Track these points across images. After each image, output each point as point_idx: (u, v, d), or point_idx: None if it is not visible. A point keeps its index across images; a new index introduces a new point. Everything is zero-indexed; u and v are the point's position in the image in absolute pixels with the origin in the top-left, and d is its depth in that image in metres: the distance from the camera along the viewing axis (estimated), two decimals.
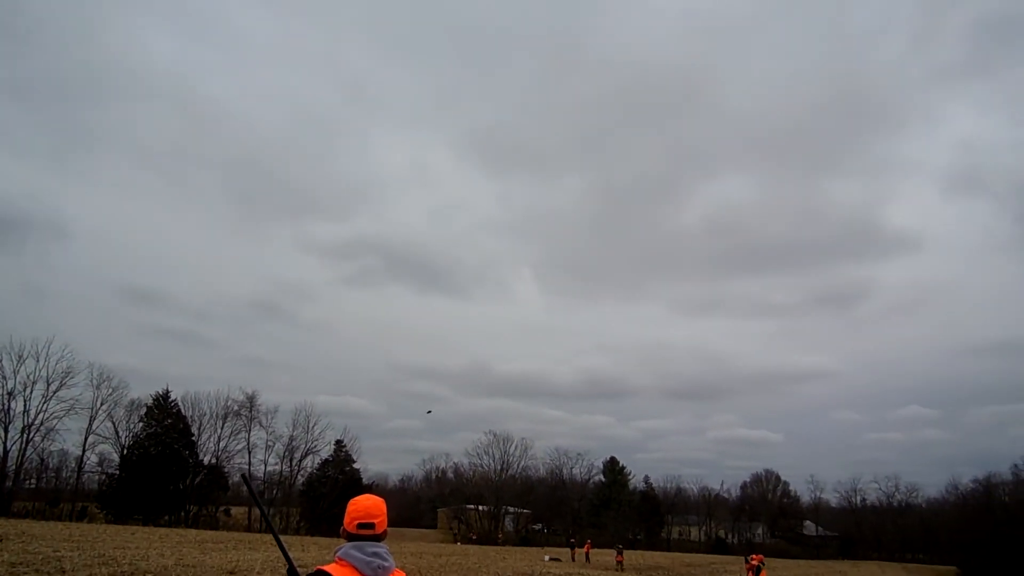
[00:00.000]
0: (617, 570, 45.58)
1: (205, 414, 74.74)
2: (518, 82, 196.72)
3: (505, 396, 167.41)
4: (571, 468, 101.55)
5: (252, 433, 76.94)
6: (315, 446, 79.32)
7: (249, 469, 76.41)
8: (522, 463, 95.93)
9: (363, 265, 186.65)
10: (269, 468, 78.54)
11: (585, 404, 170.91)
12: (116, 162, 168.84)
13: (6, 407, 63.73)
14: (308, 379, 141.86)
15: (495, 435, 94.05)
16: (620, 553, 47.35)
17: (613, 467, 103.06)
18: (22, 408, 64.23)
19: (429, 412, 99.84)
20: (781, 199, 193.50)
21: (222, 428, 75.44)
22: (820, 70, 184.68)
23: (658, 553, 73.33)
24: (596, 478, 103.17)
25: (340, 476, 76.52)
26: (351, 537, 3.26)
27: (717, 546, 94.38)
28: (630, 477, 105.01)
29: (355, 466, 79.74)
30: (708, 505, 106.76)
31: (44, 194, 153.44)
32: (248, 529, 69.61)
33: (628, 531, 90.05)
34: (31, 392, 64.65)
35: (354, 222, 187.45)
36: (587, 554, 54.07)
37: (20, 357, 64.21)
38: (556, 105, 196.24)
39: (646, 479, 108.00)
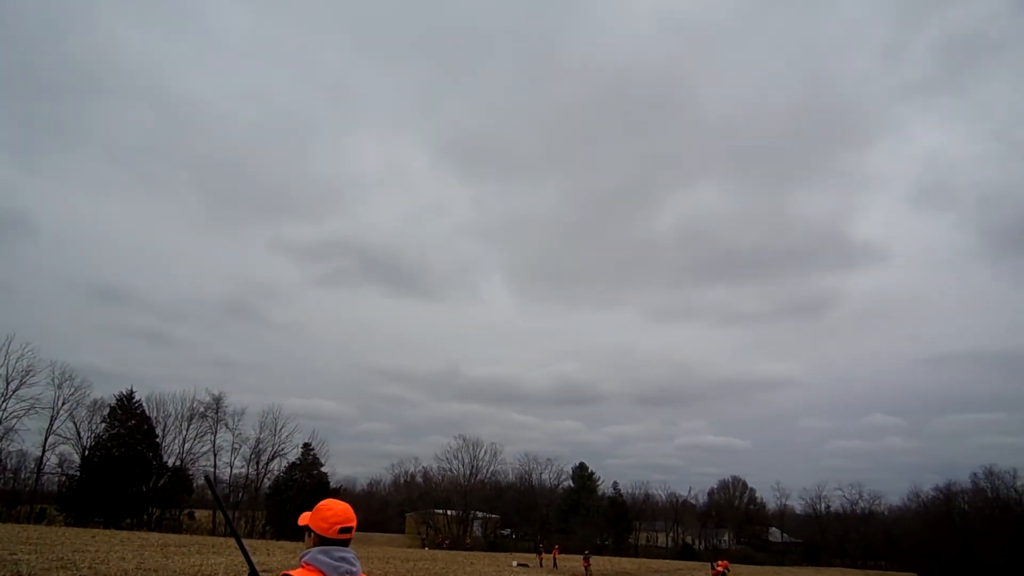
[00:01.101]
0: (585, 574, 45.70)
1: (170, 415, 73.66)
2: (496, 86, 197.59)
3: (476, 400, 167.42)
4: (540, 473, 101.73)
5: (218, 435, 75.96)
6: (282, 449, 78.58)
7: (215, 472, 75.37)
8: (491, 468, 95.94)
9: (336, 266, 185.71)
10: (235, 471, 77.67)
11: (556, 410, 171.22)
12: (87, 159, 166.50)
13: None
14: (277, 381, 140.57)
15: (465, 439, 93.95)
16: (587, 559, 47.42)
17: (582, 473, 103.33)
18: None
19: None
20: (753, 208, 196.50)
21: (188, 430, 74.39)
22: (792, 81, 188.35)
23: (625, 559, 73.53)
24: (565, 483, 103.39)
25: (307, 479, 75.74)
26: (324, 542, 3.19)
27: (684, 552, 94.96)
28: (599, 483, 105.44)
29: (323, 469, 79.07)
30: (676, 511, 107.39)
31: (11, 190, 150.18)
32: (212, 533, 68.59)
33: (596, 537, 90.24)
34: None
35: (328, 223, 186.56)
36: (555, 559, 54.12)
37: None
38: (533, 110, 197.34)
39: (615, 485, 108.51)
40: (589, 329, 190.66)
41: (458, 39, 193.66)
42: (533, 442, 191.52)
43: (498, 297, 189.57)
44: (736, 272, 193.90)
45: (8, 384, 63.64)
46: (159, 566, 22.98)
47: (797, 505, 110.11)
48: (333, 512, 3.24)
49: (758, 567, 77.87)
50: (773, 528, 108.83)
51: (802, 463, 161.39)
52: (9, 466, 74.32)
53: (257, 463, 77.40)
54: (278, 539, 62.68)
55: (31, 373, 64.80)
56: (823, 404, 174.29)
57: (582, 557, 48.98)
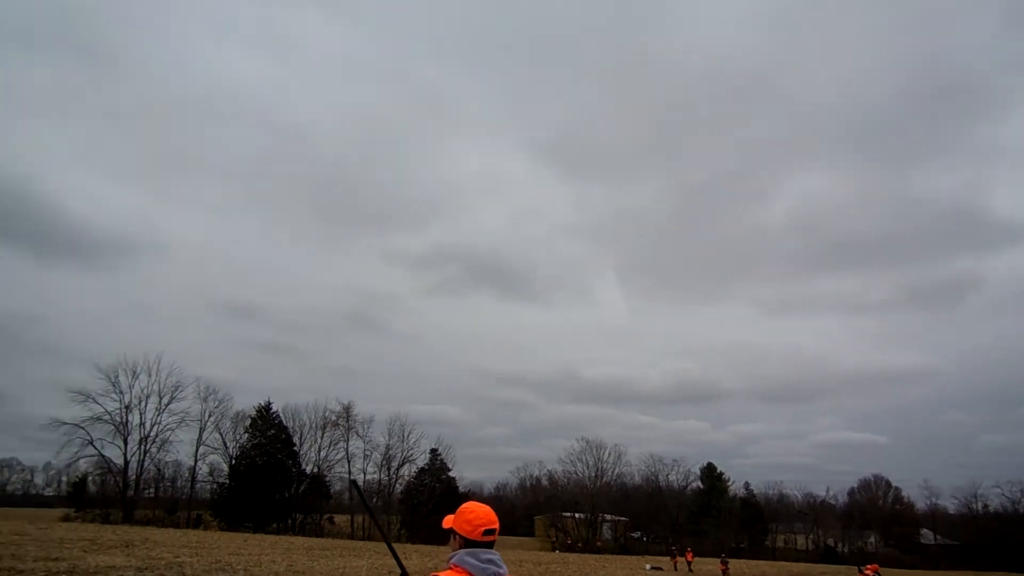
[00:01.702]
0: None
1: (305, 424, 77.34)
2: (589, 84, 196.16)
3: (594, 402, 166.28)
4: (667, 475, 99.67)
5: (350, 442, 78.98)
6: (411, 455, 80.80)
7: (349, 478, 78.52)
8: (616, 470, 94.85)
9: (446, 274, 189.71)
10: (368, 477, 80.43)
11: (676, 409, 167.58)
12: (210, 184, 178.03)
13: (124, 420, 67.74)
14: (401, 388, 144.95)
15: (587, 442, 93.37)
16: (725, 562, 46.01)
17: (711, 473, 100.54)
18: (138, 421, 68.28)
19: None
20: (871, 191, 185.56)
21: (322, 438, 77.82)
22: (906, 55, 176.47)
23: (763, 562, 70.92)
24: (694, 485, 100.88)
25: (437, 484, 77.52)
26: (469, 544, 3.19)
27: (826, 555, 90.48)
28: (729, 483, 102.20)
29: (451, 474, 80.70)
30: (814, 512, 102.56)
31: (146, 217, 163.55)
32: (351, 536, 71.41)
33: (730, 539, 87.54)
34: (145, 405, 68.69)
35: (435, 232, 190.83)
36: (689, 563, 52.83)
37: (134, 372, 68.37)
38: (630, 105, 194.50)
39: (746, 485, 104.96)
40: (701, 325, 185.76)
41: (549, 40, 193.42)
42: (656, 443, 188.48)
43: (609, 297, 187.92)
44: (857, 259, 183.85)
45: (161, 399, 69.08)
46: (306, 568, 24.03)
47: (949, 505, 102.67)
48: (476, 515, 3.25)
49: (910, 571, 73.07)
50: (924, 530, 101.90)
51: (950, 459, 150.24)
52: (167, 475, 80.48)
53: (388, 469, 79.99)
54: (413, 542, 64.43)
55: (179, 388, 70.17)
56: (968, 396, 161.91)
57: (719, 560, 47.58)
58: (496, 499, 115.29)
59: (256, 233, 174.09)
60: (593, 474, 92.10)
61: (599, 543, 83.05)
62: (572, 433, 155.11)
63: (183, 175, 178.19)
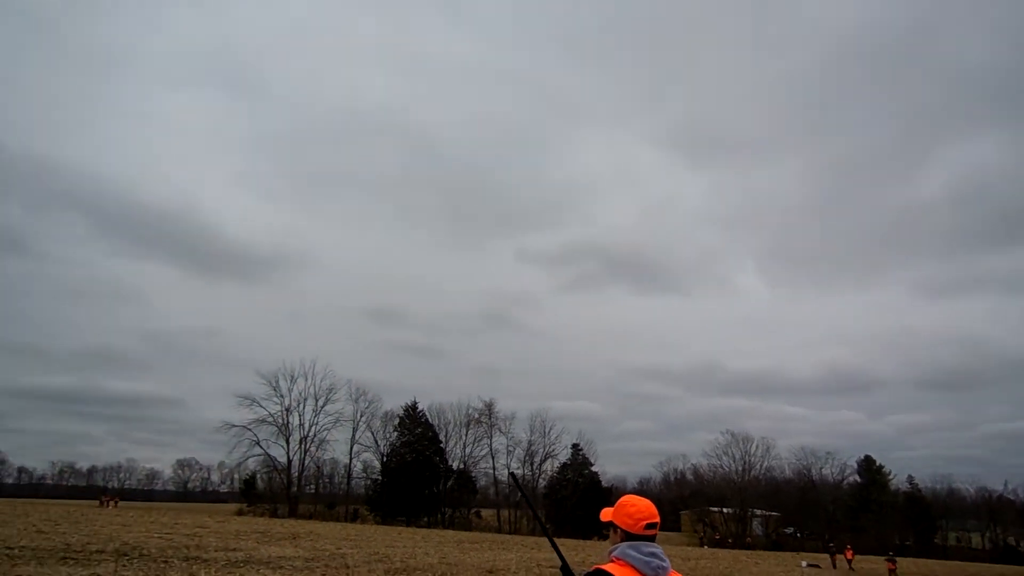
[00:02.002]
0: None
1: (450, 422, 79.94)
2: (718, 68, 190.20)
3: (739, 394, 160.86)
4: (820, 468, 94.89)
5: (493, 439, 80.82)
6: (553, 450, 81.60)
7: (493, 474, 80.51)
8: (765, 463, 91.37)
9: (581, 270, 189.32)
10: (511, 472, 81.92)
11: (828, 399, 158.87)
12: (353, 197, 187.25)
13: (286, 422, 72.87)
14: (541, 385, 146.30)
15: (733, 435, 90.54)
16: (892, 560, 43.30)
17: (869, 466, 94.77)
18: (298, 422, 73.36)
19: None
20: None
21: (466, 435, 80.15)
22: None
23: (933, 561, 66.17)
24: (850, 478, 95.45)
25: (580, 479, 77.78)
26: (630, 537, 3.17)
27: (1005, 554, 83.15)
28: (890, 477, 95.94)
29: (593, 469, 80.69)
30: (989, 508, 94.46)
31: (297, 233, 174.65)
32: (498, 530, 73.01)
33: (894, 536, 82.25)
34: (304, 407, 73.77)
35: (568, 229, 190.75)
36: (849, 560, 50.11)
37: (292, 377, 73.58)
38: (761, 85, 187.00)
39: (910, 479, 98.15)
40: (852, 311, 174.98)
41: (674, 25, 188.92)
42: (807, 435, 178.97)
43: (750, 285, 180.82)
44: None
45: (317, 401, 73.90)
46: (457, 560, 24.89)
47: None
48: (637, 508, 3.22)
49: None
50: None
51: None
52: (325, 472, 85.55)
53: (531, 464, 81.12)
54: (557, 536, 64.98)
55: (333, 391, 74.86)
56: None
57: (885, 559, 44.89)
58: (639, 494, 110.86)
59: (398, 241, 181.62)
60: (740, 468, 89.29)
61: (749, 539, 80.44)
62: (716, 426, 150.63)
63: (328, 191, 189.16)
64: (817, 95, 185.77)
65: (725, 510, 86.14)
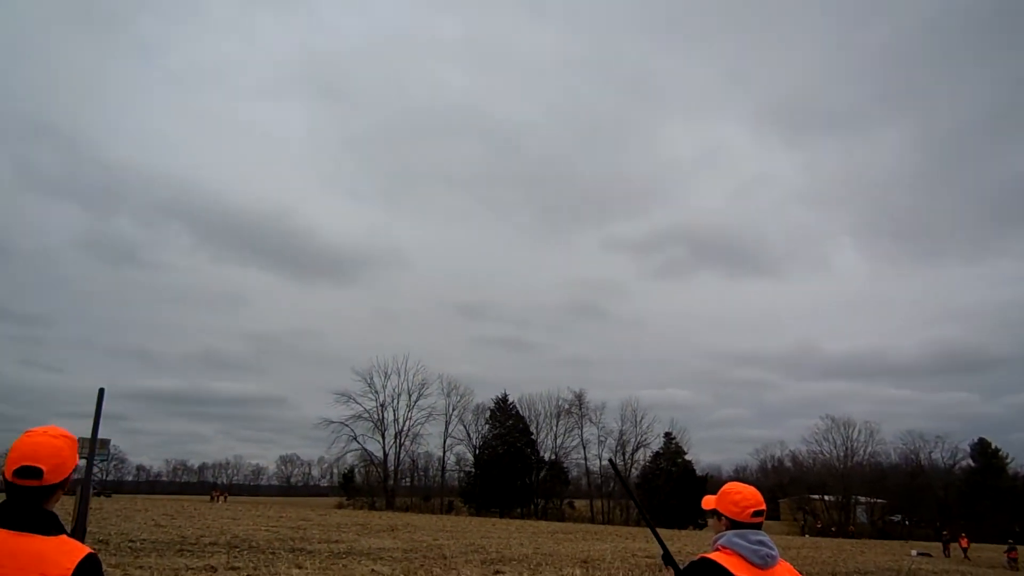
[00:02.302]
0: (1009, 568, 39.38)
1: (540, 414, 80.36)
2: (810, 41, 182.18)
3: (839, 377, 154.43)
4: (929, 452, 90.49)
5: (584, 429, 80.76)
6: (645, 439, 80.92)
7: (585, 464, 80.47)
8: (869, 449, 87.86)
9: (670, 256, 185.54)
10: (604, 462, 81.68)
11: (936, 380, 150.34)
12: (438, 194, 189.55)
13: (381, 417, 75.00)
14: (630, 374, 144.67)
15: (833, 420, 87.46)
16: (1012, 549, 40.87)
17: (984, 450, 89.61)
18: (392, 417, 75.32)
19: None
20: None
21: (557, 426, 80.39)
22: None
23: None
24: (963, 463, 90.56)
25: (673, 468, 76.82)
26: (736, 525, 3.11)
27: None
28: (1008, 461, 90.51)
29: (686, 458, 79.55)
30: None
31: (386, 232, 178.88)
32: (591, 520, 72.98)
33: (1013, 523, 77.60)
34: (398, 403, 75.80)
35: (655, 215, 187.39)
36: (964, 549, 47.60)
37: (386, 374, 75.69)
38: (856, 54, 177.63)
39: None
40: (962, 286, 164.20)
41: (756, 4, 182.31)
42: (914, 418, 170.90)
43: (848, 264, 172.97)
44: None
45: (410, 396, 75.70)
46: (552, 551, 25.00)
47: None
48: (743, 496, 3.16)
49: None
50: None
51: None
52: (420, 466, 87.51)
53: (623, 454, 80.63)
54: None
55: (425, 386, 76.58)
56: None
57: (1005, 548, 42.47)
58: (736, 481, 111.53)
59: (484, 235, 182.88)
60: (842, 454, 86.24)
61: (852, 527, 77.55)
62: (815, 411, 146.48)
63: (414, 189, 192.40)
64: (917, 63, 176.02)
65: (827, 498, 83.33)
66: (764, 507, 3.17)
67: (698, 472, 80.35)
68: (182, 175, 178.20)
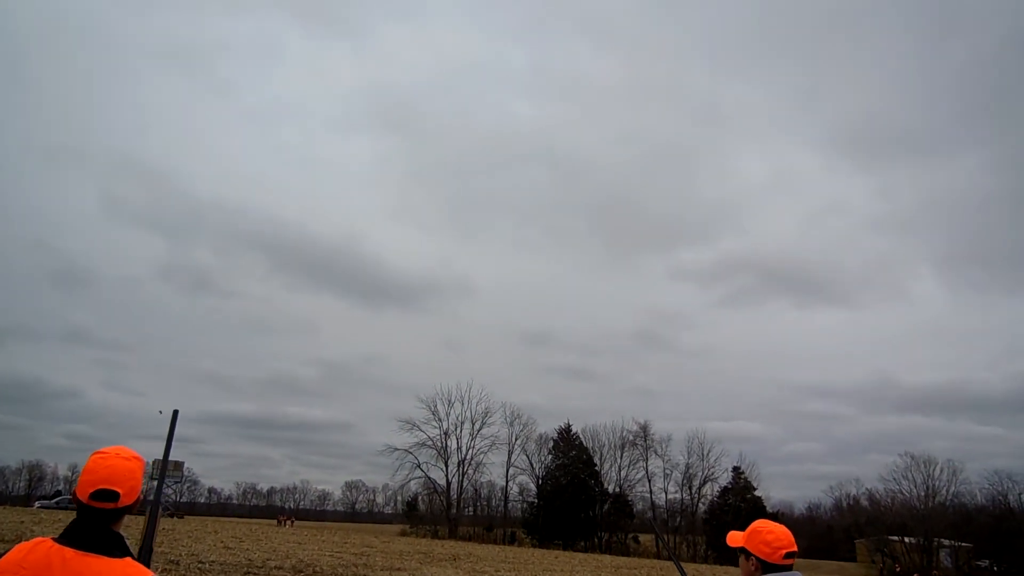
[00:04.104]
0: None
1: (604, 445, 79.24)
2: (881, 61, 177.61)
3: (918, 412, 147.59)
4: (1019, 494, 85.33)
5: (649, 462, 79.21)
6: (712, 473, 78.85)
7: (651, 498, 78.78)
8: (952, 488, 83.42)
9: (738, 285, 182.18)
10: (670, 496, 79.89)
11: None
12: (504, 223, 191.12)
13: (444, 445, 75.23)
14: (696, 405, 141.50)
15: (913, 457, 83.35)
16: None
17: None
18: (456, 445, 75.48)
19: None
20: None
21: (621, 458, 79.09)
22: None
23: None
24: None
25: (742, 504, 74.50)
26: (769, 568, 2.94)
27: None
28: None
29: (756, 493, 77.09)
30: None
31: (452, 261, 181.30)
32: (657, 556, 71.16)
33: None
34: (461, 431, 75.98)
35: (723, 243, 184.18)
36: None
37: (449, 402, 76.06)
38: (932, 78, 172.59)
39: None
40: None
41: (823, 23, 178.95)
42: (1002, 457, 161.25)
43: (926, 293, 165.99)
44: None
45: (473, 425, 75.78)
46: None
47: None
48: (776, 536, 2.99)
49: None
50: None
51: None
52: (483, 495, 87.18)
53: (689, 488, 78.76)
54: (721, 564, 62.44)
55: (488, 414, 76.62)
56: None
57: None
58: (809, 520, 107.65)
59: (550, 263, 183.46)
60: (923, 493, 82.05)
61: (936, 571, 73.51)
62: (893, 447, 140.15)
63: (481, 218, 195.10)
64: (997, 81, 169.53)
65: (907, 539, 79.31)
66: (796, 549, 3.01)
67: (769, 508, 77.68)
68: (258, 207, 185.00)
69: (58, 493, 71.88)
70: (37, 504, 62.93)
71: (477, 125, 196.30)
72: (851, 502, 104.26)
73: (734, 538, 3.17)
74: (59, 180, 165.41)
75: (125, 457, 2.49)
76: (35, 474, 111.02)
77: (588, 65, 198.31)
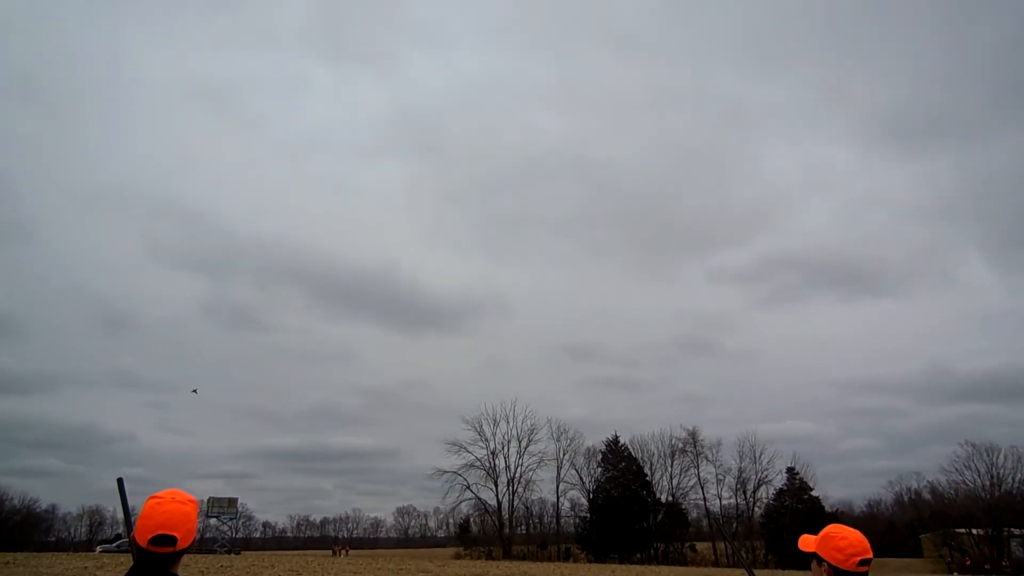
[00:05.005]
0: None
1: (654, 454, 78.39)
2: (910, 50, 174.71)
3: (976, 400, 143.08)
4: None
5: (701, 468, 78.11)
6: (766, 476, 77.46)
7: (704, 504, 77.71)
8: (1018, 476, 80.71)
9: (778, 284, 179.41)
10: (724, 502, 78.61)
11: None
12: (537, 238, 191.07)
13: (492, 464, 75.11)
14: (744, 408, 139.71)
15: (974, 446, 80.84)
16: None
17: None
18: (504, 464, 75.35)
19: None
20: None
21: (672, 466, 78.09)
22: None
23: None
24: None
25: (799, 505, 73.01)
26: (840, 574, 2.82)
27: None
28: None
29: (813, 494, 75.48)
30: None
31: (487, 279, 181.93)
32: (715, 564, 70.02)
33: None
34: (508, 449, 75.89)
35: (760, 243, 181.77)
36: None
37: (495, 420, 76.07)
38: (963, 61, 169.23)
39: None
40: None
41: (849, 11, 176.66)
42: None
43: (977, 278, 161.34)
44: None
45: (520, 443, 75.63)
46: None
47: None
48: (849, 542, 2.86)
49: None
50: None
51: None
52: (534, 512, 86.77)
53: (744, 493, 77.44)
54: (782, 567, 61.21)
55: (535, 431, 76.49)
56: None
57: None
58: (870, 518, 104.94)
59: (586, 276, 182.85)
60: (988, 483, 79.55)
61: (1006, 562, 71.05)
62: (952, 437, 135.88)
63: (514, 235, 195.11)
64: None
65: (975, 531, 76.87)
66: (871, 555, 2.88)
67: (827, 508, 76.02)
68: (294, 239, 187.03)
69: (118, 536, 73.09)
70: (99, 549, 64.16)
71: (505, 142, 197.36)
72: (913, 496, 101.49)
73: (806, 542, 3.05)
74: (101, 225, 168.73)
75: (180, 501, 2.56)
76: (95, 519, 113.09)
77: (612, 75, 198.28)
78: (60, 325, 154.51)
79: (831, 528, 3.02)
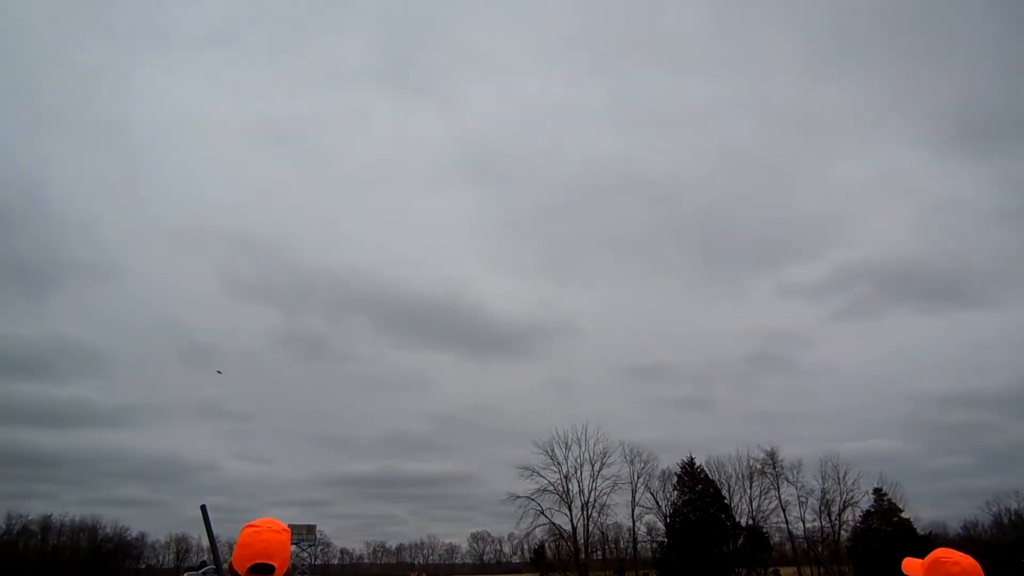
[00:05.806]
0: None
1: (731, 476, 76.32)
2: (980, 48, 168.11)
3: None
4: None
5: (781, 490, 75.63)
6: (851, 497, 74.29)
7: (787, 528, 75.21)
8: None
9: (853, 296, 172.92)
10: (808, 525, 75.77)
11: None
12: (601, 259, 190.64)
13: (565, 489, 74.46)
14: (824, 426, 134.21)
15: None
16: None
17: None
18: (577, 488, 74.55)
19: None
20: None
21: (751, 488, 75.87)
22: None
23: None
24: None
25: (888, 528, 69.81)
26: None
27: None
28: None
29: (903, 515, 72.04)
30: None
31: (553, 302, 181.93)
32: None
33: None
34: (581, 473, 75.15)
35: (833, 254, 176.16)
36: None
37: (567, 444, 75.47)
38: None
39: None
40: None
41: (913, 9, 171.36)
42: None
43: None
44: None
45: (593, 466, 74.84)
46: None
47: None
48: (963, 568, 2.79)
49: None
50: None
51: None
52: (610, 537, 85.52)
53: (828, 515, 74.54)
54: None
55: (607, 454, 75.58)
56: None
57: None
58: (966, 540, 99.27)
59: (652, 295, 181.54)
60: None
61: None
62: None
63: (578, 257, 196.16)
64: None
65: None
66: None
67: (920, 531, 72.44)
68: (361, 269, 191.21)
69: (203, 564, 75.44)
70: (186, 575, 66.25)
71: (566, 164, 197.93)
72: (1013, 517, 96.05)
73: (911, 566, 2.94)
74: (181, 263, 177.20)
75: (276, 530, 2.64)
76: (181, 546, 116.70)
77: (669, 90, 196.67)
78: (144, 359, 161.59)
79: (941, 553, 2.90)
